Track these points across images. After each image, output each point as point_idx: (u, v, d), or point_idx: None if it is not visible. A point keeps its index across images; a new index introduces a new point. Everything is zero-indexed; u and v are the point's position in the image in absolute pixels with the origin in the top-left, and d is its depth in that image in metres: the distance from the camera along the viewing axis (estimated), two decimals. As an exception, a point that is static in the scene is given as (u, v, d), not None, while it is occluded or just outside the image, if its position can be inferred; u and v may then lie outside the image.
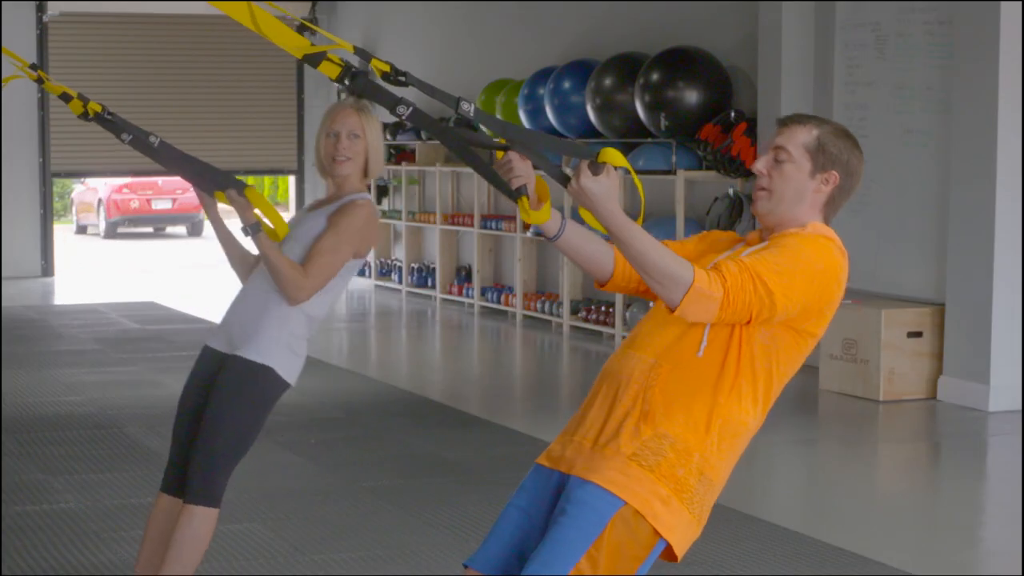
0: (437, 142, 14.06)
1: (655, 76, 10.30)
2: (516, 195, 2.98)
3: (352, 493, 6.24)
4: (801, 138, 3.10)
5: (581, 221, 3.04)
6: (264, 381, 4.12)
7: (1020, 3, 8.04)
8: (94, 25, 16.47)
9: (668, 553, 3.03)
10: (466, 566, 3.11)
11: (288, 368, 4.16)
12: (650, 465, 2.97)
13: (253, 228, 4.06)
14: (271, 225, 4.08)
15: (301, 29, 3.14)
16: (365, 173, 4.24)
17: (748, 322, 2.96)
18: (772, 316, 2.96)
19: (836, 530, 5.71)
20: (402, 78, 2.83)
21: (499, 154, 3.01)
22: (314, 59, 2.80)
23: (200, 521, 4.11)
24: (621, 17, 11.80)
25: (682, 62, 10.27)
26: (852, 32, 9.33)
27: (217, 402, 4.11)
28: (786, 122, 3.14)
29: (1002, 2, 8.04)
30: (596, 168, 2.80)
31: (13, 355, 10.07)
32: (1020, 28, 8.02)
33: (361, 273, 15.65)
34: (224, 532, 5.53)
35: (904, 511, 6.27)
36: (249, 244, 4.23)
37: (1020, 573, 5.22)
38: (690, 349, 3.01)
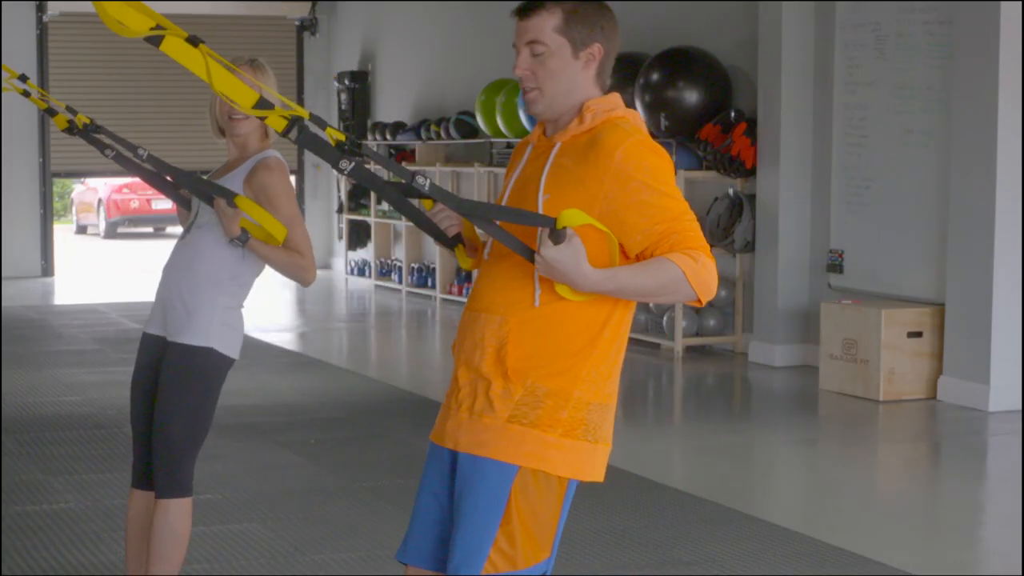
0: (438, 142, 14.07)
1: (655, 76, 10.30)
2: (453, 244, 2.97)
3: (352, 493, 6.24)
4: (550, 23, 2.95)
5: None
6: (207, 362, 4.10)
7: (1020, 3, 8.04)
8: (94, 25, 16.45)
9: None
10: (403, 563, 3.09)
11: (228, 344, 4.13)
12: (531, 421, 2.91)
13: (241, 239, 4.04)
14: (267, 229, 4.06)
15: (277, 119, 3.14)
16: (266, 133, 4.19)
17: None
18: None
19: (836, 530, 5.70)
20: (356, 148, 2.79)
21: (427, 204, 3.00)
22: (262, 115, 2.78)
23: (175, 514, 4.09)
24: (621, 17, 11.64)
25: (682, 62, 10.27)
26: (852, 32, 9.33)
27: (165, 393, 4.10)
28: (526, 12, 2.98)
29: (1002, 2, 8.04)
30: (556, 235, 2.75)
31: (13, 355, 10.07)
32: (1020, 28, 8.02)
33: (361, 273, 15.65)
34: (224, 532, 5.53)
35: (904, 511, 6.27)
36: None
37: (1020, 573, 5.22)
38: (527, 300, 2.92)
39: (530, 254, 2.84)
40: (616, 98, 3.01)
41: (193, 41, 2.73)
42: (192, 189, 4.18)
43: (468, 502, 2.93)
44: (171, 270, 4.21)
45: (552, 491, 2.94)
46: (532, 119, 11.88)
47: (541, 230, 2.78)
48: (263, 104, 2.76)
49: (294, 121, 2.76)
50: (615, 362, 2.99)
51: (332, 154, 2.78)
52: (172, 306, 4.13)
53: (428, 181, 2.80)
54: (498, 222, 2.90)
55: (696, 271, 2.83)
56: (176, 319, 4.11)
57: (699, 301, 2.88)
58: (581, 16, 2.96)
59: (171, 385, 4.09)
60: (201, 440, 4.16)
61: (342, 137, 2.79)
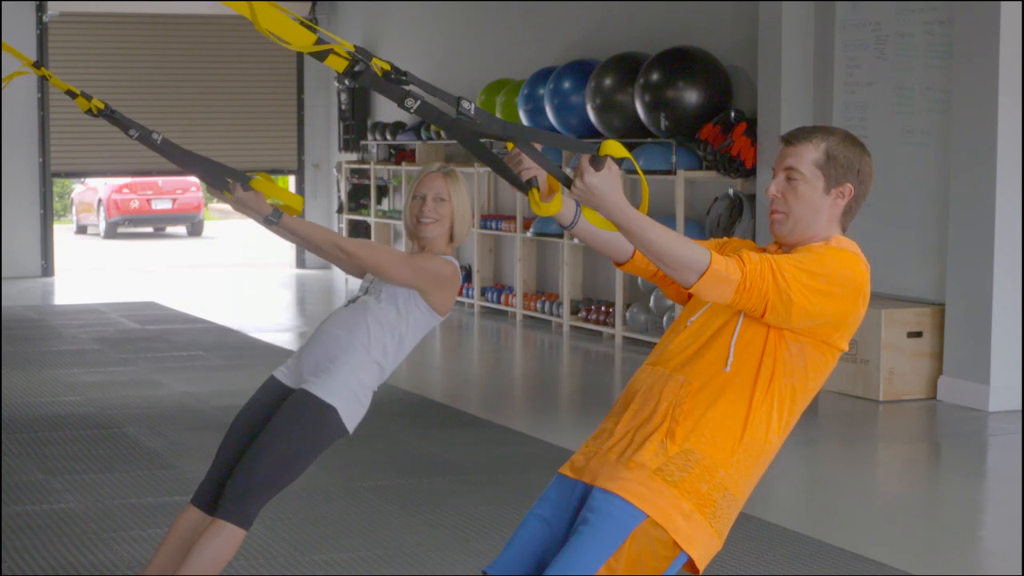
0: (437, 142, 14.07)
1: (655, 76, 10.30)
2: (527, 187, 2.98)
3: (352, 493, 6.24)
4: (810, 156, 3.09)
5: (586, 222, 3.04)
6: (324, 419, 4.10)
7: (1020, 3, 8.04)
8: (94, 25, 16.47)
9: (689, 566, 3.04)
10: (485, 573, 3.12)
11: (350, 414, 4.15)
12: (675, 480, 2.99)
13: (275, 216, 4.04)
14: (285, 204, 4.06)
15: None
16: (451, 238, 4.26)
17: (763, 315, 2.96)
18: (788, 315, 2.97)
19: (836, 530, 5.71)
20: (403, 78, 2.82)
21: (509, 146, 3.01)
22: (320, 54, 2.77)
23: (226, 538, 4.05)
24: (621, 17, 11.80)
25: (682, 62, 10.27)
26: (852, 32, 9.34)
27: (273, 427, 4.08)
28: (791, 140, 3.13)
29: (1002, 2, 8.04)
30: (597, 162, 2.80)
31: (13, 355, 10.07)
32: (1020, 28, 8.02)
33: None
34: (224, 532, 5.53)
35: (904, 511, 6.27)
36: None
37: (1020, 573, 5.22)
38: (718, 365, 3.03)
39: (567, 180, 2.87)
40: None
41: None
42: (205, 171, 4.16)
43: (587, 527, 2.97)
44: (329, 330, 4.21)
45: (664, 553, 2.99)
46: (535, 121, 11.88)
47: (582, 157, 2.82)
48: (321, 43, 2.75)
49: (355, 60, 2.76)
50: (760, 467, 3.09)
51: (397, 92, 2.80)
52: (315, 358, 4.16)
53: (473, 105, 2.82)
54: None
55: (716, 272, 2.89)
56: (314, 369, 4.14)
57: (687, 287, 2.91)
58: (842, 157, 3.11)
59: (281, 422, 4.08)
60: (281, 486, 4.14)
61: (387, 66, 2.81)
